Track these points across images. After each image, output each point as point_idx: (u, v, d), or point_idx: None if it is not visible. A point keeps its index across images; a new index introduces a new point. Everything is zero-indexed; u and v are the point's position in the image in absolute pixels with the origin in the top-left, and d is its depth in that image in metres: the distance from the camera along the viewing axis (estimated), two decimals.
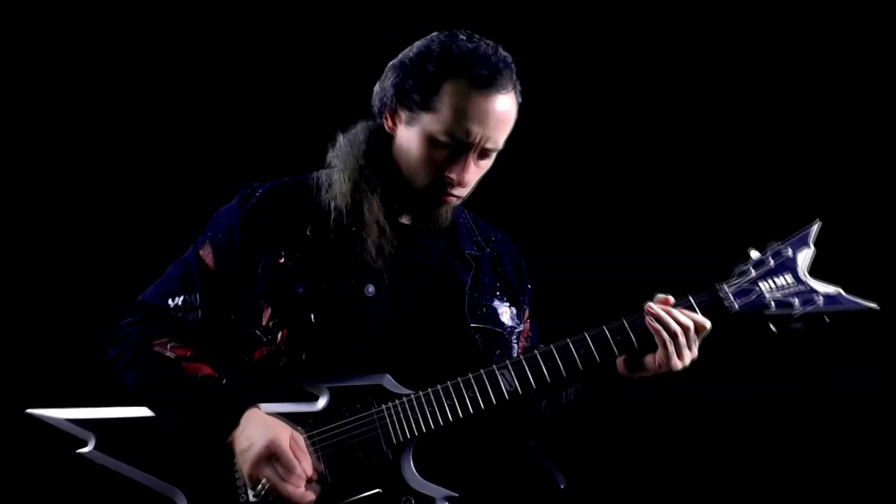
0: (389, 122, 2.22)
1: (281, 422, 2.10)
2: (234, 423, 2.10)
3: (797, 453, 3.38)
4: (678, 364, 2.10)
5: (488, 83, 2.09)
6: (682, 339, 2.09)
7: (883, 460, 3.34)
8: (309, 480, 2.07)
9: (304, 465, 2.07)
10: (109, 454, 2.13)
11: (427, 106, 2.11)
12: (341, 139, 2.28)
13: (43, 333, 3.25)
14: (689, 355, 2.11)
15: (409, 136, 2.17)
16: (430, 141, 2.13)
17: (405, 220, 2.29)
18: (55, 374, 3.15)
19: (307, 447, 2.09)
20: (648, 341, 2.11)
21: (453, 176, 2.15)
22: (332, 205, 2.22)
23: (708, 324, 2.11)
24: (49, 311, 3.26)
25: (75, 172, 3.32)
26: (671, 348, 2.09)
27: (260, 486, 2.06)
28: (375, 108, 2.26)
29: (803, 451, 3.38)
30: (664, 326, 2.09)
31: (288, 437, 2.07)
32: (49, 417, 2.15)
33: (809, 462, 3.37)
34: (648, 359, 2.14)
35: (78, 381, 3.03)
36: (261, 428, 2.08)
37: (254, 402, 2.12)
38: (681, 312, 2.11)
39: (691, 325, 2.10)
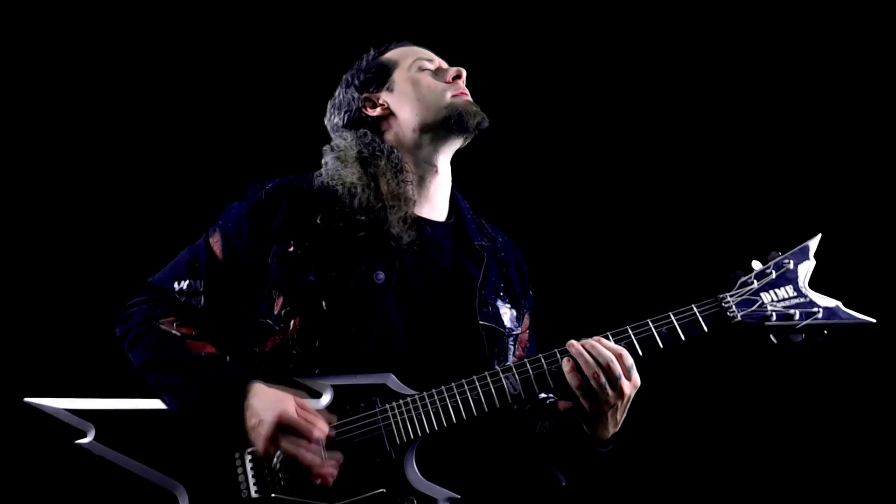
0: (375, 109, 2.38)
1: (284, 391, 2.10)
2: (240, 397, 2.09)
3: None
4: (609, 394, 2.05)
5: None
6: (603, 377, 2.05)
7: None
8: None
9: (319, 427, 2.07)
10: (109, 446, 2.12)
11: (394, 65, 2.43)
12: (328, 149, 2.36)
13: (44, 322, 3.22)
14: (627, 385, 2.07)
15: (400, 93, 2.39)
16: (416, 74, 2.40)
17: (422, 212, 2.32)
18: (55, 364, 3.13)
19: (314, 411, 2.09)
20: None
21: (450, 73, 2.41)
22: (349, 190, 2.25)
23: (624, 352, 2.07)
24: (50, 301, 3.24)
25: (83, 169, 3.34)
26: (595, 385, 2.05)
27: (276, 459, 2.07)
28: (348, 115, 2.40)
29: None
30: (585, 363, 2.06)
31: (294, 406, 2.07)
32: (48, 407, 2.14)
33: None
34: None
35: (78, 370, 3.01)
36: (266, 402, 2.07)
37: (256, 378, 2.12)
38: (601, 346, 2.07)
39: (612, 357, 2.05)
